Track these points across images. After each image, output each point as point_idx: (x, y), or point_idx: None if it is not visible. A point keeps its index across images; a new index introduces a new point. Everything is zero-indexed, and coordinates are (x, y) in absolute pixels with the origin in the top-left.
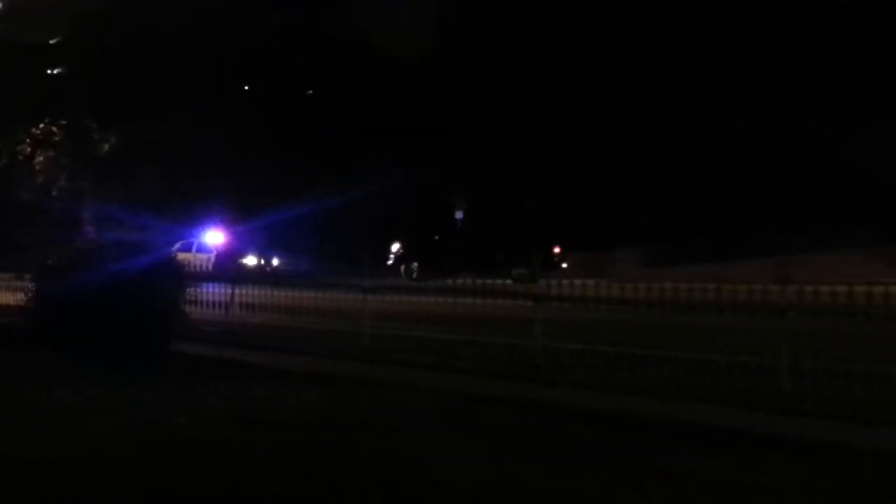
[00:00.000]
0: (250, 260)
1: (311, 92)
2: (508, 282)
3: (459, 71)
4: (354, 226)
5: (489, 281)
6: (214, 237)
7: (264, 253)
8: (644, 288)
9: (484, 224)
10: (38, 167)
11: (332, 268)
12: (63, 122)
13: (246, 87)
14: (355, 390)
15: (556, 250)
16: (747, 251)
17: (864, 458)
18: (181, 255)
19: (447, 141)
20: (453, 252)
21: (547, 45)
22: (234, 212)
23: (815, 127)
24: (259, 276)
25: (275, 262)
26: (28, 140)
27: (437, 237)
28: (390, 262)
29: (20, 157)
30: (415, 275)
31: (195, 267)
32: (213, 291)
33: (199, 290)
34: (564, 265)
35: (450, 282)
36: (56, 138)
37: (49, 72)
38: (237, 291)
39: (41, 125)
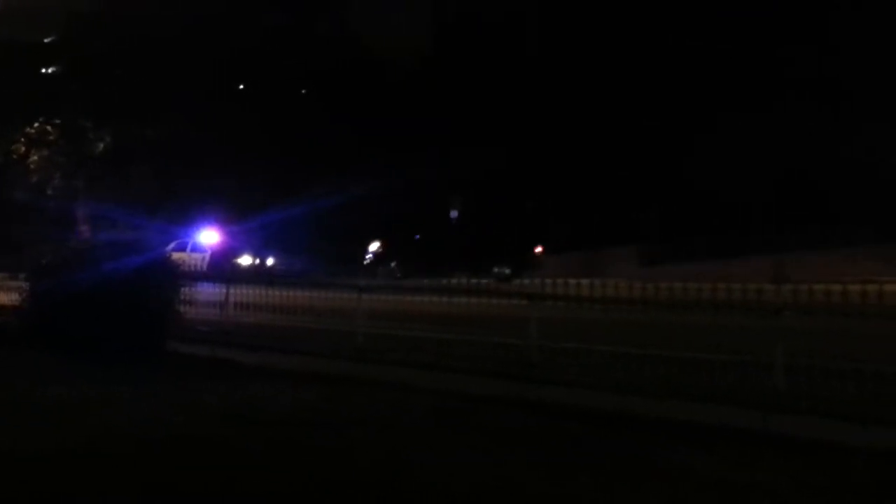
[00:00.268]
0: (245, 260)
1: (304, 91)
2: (485, 281)
3: (458, 71)
4: (349, 226)
5: (473, 281)
6: (209, 237)
7: (259, 253)
8: (639, 287)
9: (477, 224)
10: (32, 166)
11: (327, 268)
12: (57, 122)
13: (241, 87)
14: (351, 390)
15: (538, 250)
16: (746, 250)
17: (858, 457)
18: (176, 255)
19: (445, 141)
20: (433, 251)
21: (546, 45)
22: (228, 212)
23: (814, 127)
24: (254, 275)
25: (269, 261)
26: (22, 139)
27: (417, 236)
28: (367, 261)
29: (14, 157)
30: (398, 274)
31: (190, 266)
32: (208, 291)
33: (193, 289)
34: (542, 265)
35: (444, 281)
36: (51, 137)
37: (44, 71)
38: (232, 291)
39: (36, 124)
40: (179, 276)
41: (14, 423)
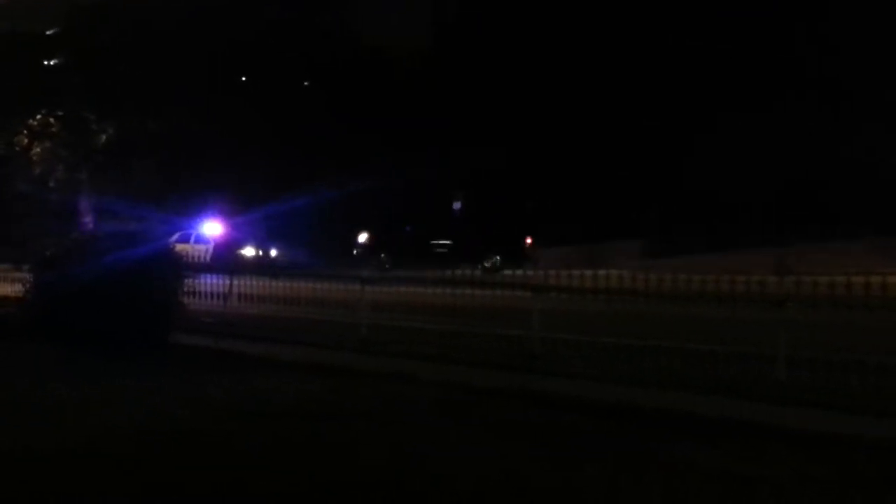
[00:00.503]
0: (248, 251)
1: (306, 84)
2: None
3: (458, 69)
4: (352, 218)
5: (459, 272)
6: (212, 228)
7: (262, 244)
8: (642, 279)
9: (474, 219)
10: (35, 158)
11: (331, 259)
12: (60, 114)
13: (243, 80)
14: (355, 381)
15: (528, 241)
16: (748, 244)
17: (862, 449)
18: (179, 246)
19: (446, 137)
20: (422, 242)
21: (546, 44)
22: (231, 203)
23: (814, 127)
24: (257, 267)
25: (272, 253)
26: (25, 131)
27: (407, 227)
28: (356, 251)
29: (17, 149)
30: (387, 265)
31: (193, 258)
32: (211, 282)
33: (196, 281)
34: (534, 258)
35: (448, 273)
36: (53, 130)
37: (46, 63)
38: (235, 282)
39: (38, 116)
40: (183, 267)
41: (16, 419)
